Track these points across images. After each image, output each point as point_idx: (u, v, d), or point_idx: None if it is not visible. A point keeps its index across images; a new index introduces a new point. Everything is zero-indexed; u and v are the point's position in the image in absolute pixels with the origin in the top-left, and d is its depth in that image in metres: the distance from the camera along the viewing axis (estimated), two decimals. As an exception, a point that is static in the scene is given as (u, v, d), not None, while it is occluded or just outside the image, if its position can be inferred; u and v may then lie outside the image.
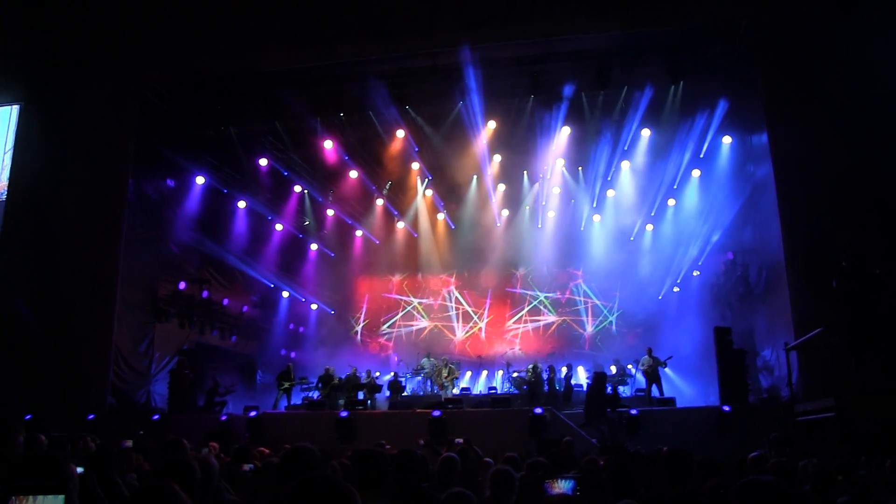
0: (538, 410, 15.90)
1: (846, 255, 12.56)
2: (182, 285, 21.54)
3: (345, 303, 28.96)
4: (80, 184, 18.69)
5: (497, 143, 22.44)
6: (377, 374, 23.16)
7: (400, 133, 21.48)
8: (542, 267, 27.75)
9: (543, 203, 25.76)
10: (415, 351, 26.99)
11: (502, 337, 27.71)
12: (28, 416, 15.44)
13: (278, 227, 25.14)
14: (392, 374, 23.37)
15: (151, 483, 2.52)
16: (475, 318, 28.20)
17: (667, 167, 22.19)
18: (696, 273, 23.63)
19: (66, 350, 17.75)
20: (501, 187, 25.58)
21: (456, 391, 22.08)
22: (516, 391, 22.00)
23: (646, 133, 21.36)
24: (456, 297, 28.50)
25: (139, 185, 19.66)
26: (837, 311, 12.35)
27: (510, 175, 24.97)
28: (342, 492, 1.93)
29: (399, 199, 26.47)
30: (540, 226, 26.62)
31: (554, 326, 27.57)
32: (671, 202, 23.82)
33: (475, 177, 25.03)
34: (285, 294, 26.66)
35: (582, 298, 27.63)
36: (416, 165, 23.98)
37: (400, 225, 27.40)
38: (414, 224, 27.23)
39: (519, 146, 22.65)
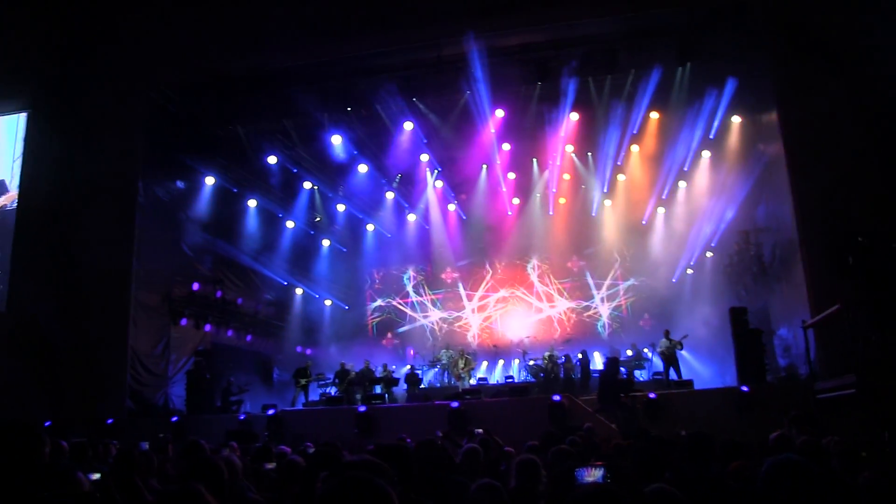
0: (556, 398, 15.86)
1: (863, 231, 12.45)
2: (196, 286, 21.58)
3: (358, 298, 28.98)
4: (91, 188, 18.78)
5: (505, 132, 22.33)
6: (393, 367, 23.19)
7: (408, 125, 21.41)
8: (555, 254, 27.69)
9: (554, 190, 25.67)
10: (430, 343, 27.05)
11: (518, 325, 27.64)
12: (47, 423, 15.53)
13: (290, 224, 25.15)
14: (408, 366, 23.42)
15: (178, 487, 2.49)
16: (489, 307, 28.15)
17: (677, 149, 22.06)
18: (709, 254, 23.54)
19: (83, 355, 17.84)
20: (511, 176, 25.50)
21: (473, 382, 22.10)
22: (533, 379, 22.02)
23: (654, 116, 21.25)
24: (469, 287, 28.45)
25: (149, 188, 19.68)
26: (855, 286, 12.26)
27: (520, 163, 24.89)
28: (379, 491, 1.90)
29: (409, 192, 26.42)
30: (551, 213, 26.57)
31: (568, 313, 27.50)
32: (682, 184, 23.73)
33: (485, 166, 24.97)
34: (299, 291, 26.72)
35: (595, 284, 27.54)
36: (425, 157, 23.91)
37: (411, 217, 27.36)
38: (425, 216, 27.19)
39: (527, 134, 22.56)
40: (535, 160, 25.04)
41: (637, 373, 22.16)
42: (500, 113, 21.08)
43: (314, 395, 21.57)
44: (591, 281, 27.60)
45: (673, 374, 19.33)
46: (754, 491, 4.49)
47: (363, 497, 1.87)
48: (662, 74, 19.17)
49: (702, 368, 21.73)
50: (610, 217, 26.25)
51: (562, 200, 26.26)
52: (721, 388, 17.45)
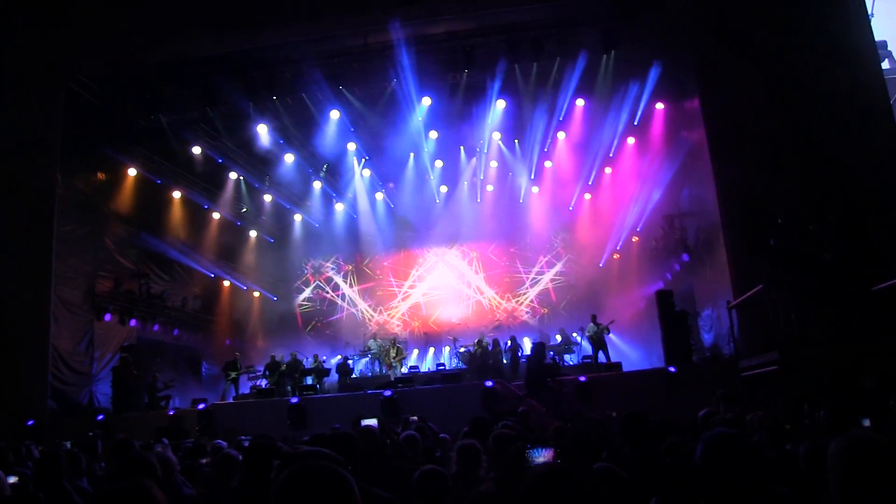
0: (489, 383, 16.01)
1: (782, 214, 12.87)
2: (120, 281, 21.03)
3: (287, 288, 28.74)
4: (6, 182, 18.06)
5: (433, 120, 22.32)
6: (324, 357, 23.07)
7: (334, 114, 21.24)
8: (484, 241, 27.89)
9: (481, 177, 25.83)
10: (360, 332, 27.01)
11: (448, 313, 27.77)
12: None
13: (216, 215, 24.72)
14: (339, 356, 23.33)
15: (125, 484, 2.43)
16: (418, 295, 28.22)
17: (602, 136, 22.39)
18: (635, 239, 23.99)
19: (1, 355, 17.21)
20: (439, 164, 25.53)
21: (404, 370, 22.12)
22: (464, 366, 22.14)
23: (580, 103, 21.48)
24: (398, 276, 28.47)
25: (69, 180, 19.07)
26: (775, 267, 12.67)
27: (447, 151, 24.93)
28: (340, 479, 1.89)
29: (337, 181, 26.24)
30: (479, 200, 26.74)
31: (498, 299, 27.74)
32: (608, 170, 24.11)
33: (412, 155, 24.92)
34: (226, 283, 26.31)
35: (524, 270, 27.84)
36: (352, 146, 23.75)
37: (339, 206, 27.20)
38: (353, 205, 27.05)
39: (455, 122, 22.59)
40: (462, 148, 25.11)
41: (566, 357, 22.50)
42: (427, 101, 21.06)
43: (244, 388, 21.31)
44: (519, 267, 27.88)
45: (602, 358, 19.67)
46: (689, 467, 4.62)
47: (324, 485, 1.86)
48: (588, 62, 19.37)
49: (630, 351, 22.21)
50: (537, 203, 26.57)
51: (489, 188, 26.44)
52: (649, 370, 17.84)
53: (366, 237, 27.90)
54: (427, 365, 25.21)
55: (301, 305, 28.71)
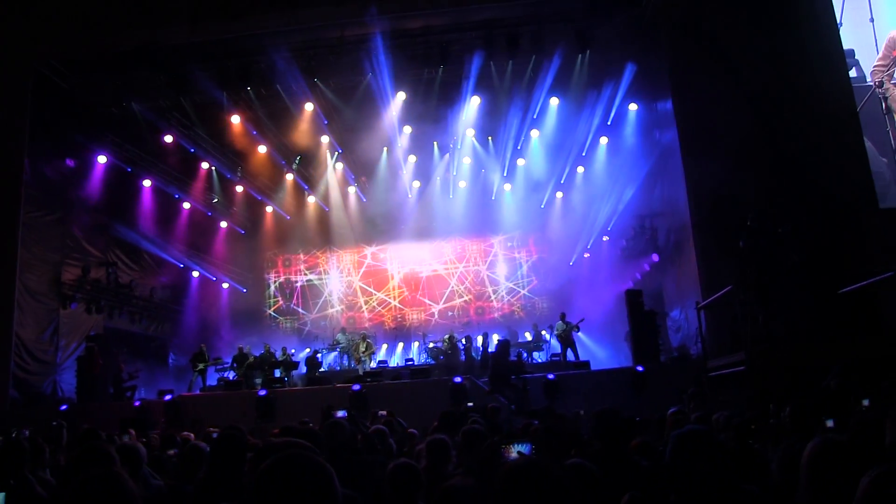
0: (458, 379, 16.06)
1: (751, 215, 13.02)
2: (87, 269, 20.77)
3: (257, 280, 28.60)
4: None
5: (407, 115, 22.27)
6: (292, 350, 22.99)
7: (309, 106, 21.11)
8: (455, 237, 27.92)
9: (454, 174, 25.84)
10: (329, 326, 26.95)
11: (417, 308, 27.80)
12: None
13: (186, 205, 24.52)
14: (308, 349, 23.26)
15: (97, 473, 2.40)
16: (388, 290, 28.21)
17: (575, 135, 22.50)
18: (605, 238, 24.15)
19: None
20: (412, 159, 25.49)
21: (373, 365, 22.09)
22: (433, 362, 22.17)
23: (554, 101, 21.56)
24: (369, 270, 28.44)
25: (37, 166, 18.79)
26: (744, 268, 12.82)
27: (421, 146, 24.91)
28: (319, 468, 1.89)
29: (309, 174, 26.12)
30: (451, 196, 26.76)
31: (468, 296, 27.79)
32: (580, 169, 24.24)
33: (385, 149, 24.85)
34: (195, 274, 26.11)
35: (495, 267, 27.93)
36: (325, 139, 23.65)
37: (311, 199, 27.09)
38: (325, 198, 26.95)
39: (429, 117, 22.54)
40: (436, 143, 25.09)
41: (535, 354, 22.60)
42: (401, 95, 21.03)
43: (212, 380, 21.17)
44: (490, 264, 27.97)
45: (570, 356, 19.78)
46: (657, 464, 4.68)
47: (306, 474, 1.87)
48: (563, 60, 19.46)
49: (598, 350, 22.35)
50: (510, 201, 26.64)
51: (462, 184, 26.45)
52: (617, 369, 17.98)
53: (337, 230, 27.81)
54: (396, 360, 25.21)
55: (271, 298, 28.57)
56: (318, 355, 22.85)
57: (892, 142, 14.92)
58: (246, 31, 18.18)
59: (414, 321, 27.42)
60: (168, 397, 16.76)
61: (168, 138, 21.60)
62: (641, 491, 3.18)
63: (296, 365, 21.26)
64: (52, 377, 19.03)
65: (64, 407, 16.65)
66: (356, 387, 16.13)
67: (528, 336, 23.85)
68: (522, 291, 27.57)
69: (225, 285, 27.34)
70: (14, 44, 18.02)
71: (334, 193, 26.73)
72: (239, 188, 25.65)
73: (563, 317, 20.43)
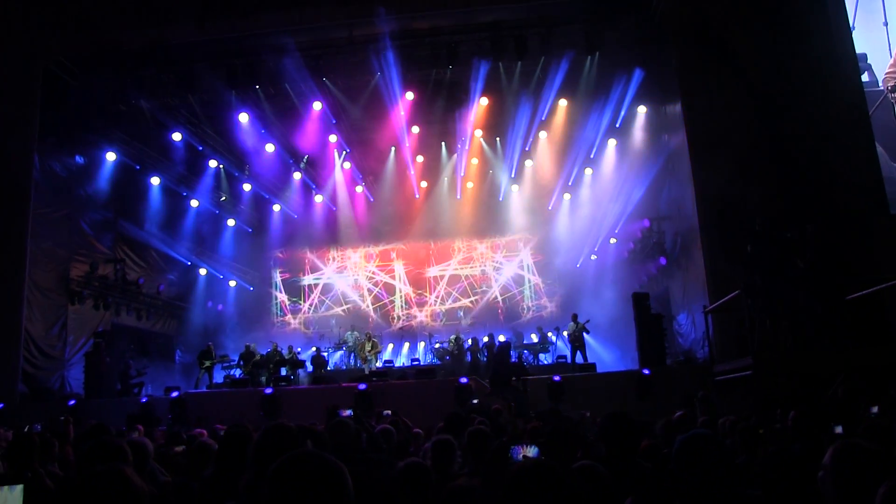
0: (463, 380, 16.04)
1: (758, 221, 13.00)
2: (95, 265, 20.83)
3: (263, 279, 28.64)
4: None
5: (415, 115, 22.30)
6: (298, 349, 23.01)
7: (317, 105, 21.15)
8: (462, 238, 27.92)
9: (462, 174, 25.83)
10: (336, 325, 26.96)
11: (423, 308, 27.81)
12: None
13: (194, 203, 24.55)
14: (314, 348, 23.29)
15: (103, 468, 2.41)
16: (395, 290, 28.23)
17: (584, 137, 22.47)
18: (612, 241, 24.11)
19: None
20: (420, 159, 25.50)
21: (379, 364, 22.10)
22: (439, 362, 22.17)
23: (563, 103, 21.54)
24: (376, 270, 28.46)
25: (46, 163, 18.89)
26: (751, 274, 12.81)
27: (428, 147, 24.94)
28: (332, 466, 1.91)
29: (317, 173, 26.14)
30: (459, 197, 26.75)
31: (474, 296, 27.78)
32: (588, 171, 24.21)
33: (393, 149, 24.88)
34: (203, 272, 26.15)
35: (501, 268, 27.92)
36: (333, 138, 23.69)
37: (318, 198, 27.10)
38: (332, 197, 26.97)
39: (437, 117, 22.59)
40: (443, 144, 25.13)
41: (542, 356, 22.58)
42: (409, 95, 21.03)
43: (218, 378, 21.21)
44: (496, 266, 27.96)
45: (579, 358, 19.75)
46: (664, 468, 4.67)
47: (318, 473, 1.88)
48: (571, 62, 19.44)
49: (604, 352, 22.31)
50: (517, 202, 26.63)
51: (469, 185, 26.44)
52: (623, 372, 17.95)
53: (344, 230, 27.83)
54: (402, 360, 25.23)
55: (277, 296, 28.60)
56: (325, 354, 22.89)
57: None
58: (254, 29, 18.23)
59: (420, 321, 27.43)
60: (174, 394, 16.78)
61: (176, 136, 21.65)
62: (645, 495, 3.18)
63: (302, 363, 21.29)
64: (60, 372, 19.10)
65: (72, 402, 16.69)
66: (362, 386, 16.13)
67: (534, 338, 23.84)
68: (528, 293, 27.53)
69: (232, 283, 27.37)
70: (23, 41, 18.11)
71: (342, 193, 26.75)
72: (246, 186, 25.68)
73: (574, 318, 20.40)
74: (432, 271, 28.23)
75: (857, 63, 15.65)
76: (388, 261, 28.55)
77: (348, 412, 8.84)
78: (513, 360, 17.10)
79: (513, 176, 25.41)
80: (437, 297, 27.93)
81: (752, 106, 15.57)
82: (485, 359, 21.11)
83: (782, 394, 10.43)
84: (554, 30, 18.76)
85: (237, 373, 20.89)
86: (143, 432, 9.30)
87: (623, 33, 18.67)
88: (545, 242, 27.13)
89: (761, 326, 12.07)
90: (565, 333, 20.75)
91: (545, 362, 21.88)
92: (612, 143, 22.58)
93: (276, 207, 27.25)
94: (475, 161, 25.41)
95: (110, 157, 20.86)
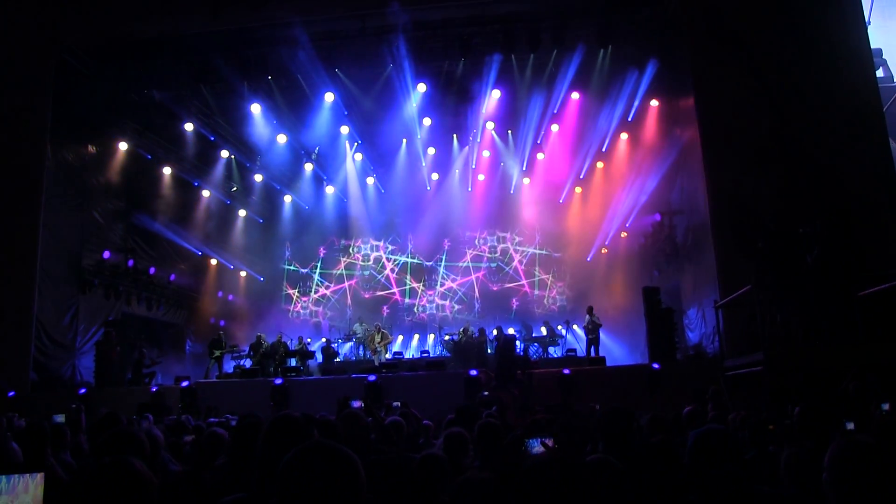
0: (473, 372, 16.04)
1: (771, 216, 12.92)
2: (106, 255, 20.92)
3: (274, 269, 28.67)
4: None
5: (427, 107, 22.28)
6: (308, 340, 23.05)
7: (329, 96, 21.15)
8: (472, 230, 27.89)
9: (473, 166, 25.80)
10: (346, 316, 27.02)
11: (433, 300, 27.81)
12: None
13: (205, 193, 24.63)
14: (324, 339, 23.33)
15: (109, 460, 2.41)
16: (405, 281, 28.23)
17: (595, 130, 22.40)
18: (623, 234, 24.04)
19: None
20: (431, 151, 25.47)
21: (388, 356, 22.12)
22: (449, 354, 22.17)
23: (575, 96, 21.49)
24: (386, 262, 28.48)
25: (59, 153, 18.97)
26: (762, 269, 12.75)
27: (440, 139, 24.88)
28: (346, 457, 1.90)
29: (328, 164, 26.13)
30: (470, 189, 26.71)
31: (484, 288, 27.76)
32: (600, 164, 24.13)
33: (405, 140, 24.85)
34: (213, 262, 26.23)
35: (512, 261, 27.88)
36: (345, 129, 23.71)
37: (329, 190, 27.11)
38: (343, 188, 26.98)
39: (449, 109, 22.55)
40: (455, 136, 25.08)
41: (551, 349, 22.56)
42: (422, 87, 21.01)
43: (228, 368, 21.28)
44: (506, 258, 27.93)
45: (592, 351, 19.71)
46: (675, 461, 4.66)
47: (331, 463, 1.87)
48: (584, 55, 19.39)
49: (614, 346, 22.27)
50: (528, 195, 26.56)
51: (481, 177, 26.40)
52: (632, 366, 17.93)
53: (355, 221, 27.85)
54: (411, 352, 25.25)
55: (287, 287, 28.65)
56: (334, 345, 22.94)
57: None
58: (267, 20, 18.20)
59: (430, 313, 27.45)
60: (185, 383, 16.86)
61: (188, 127, 21.71)
62: (654, 490, 3.17)
63: (311, 354, 21.34)
64: (71, 361, 19.22)
65: (83, 391, 16.79)
66: (372, 377, 16.16)
67: (543, 331, 23.81)
68: (538, 287, 27.49)
69: (242, 273, 27.44)
70: (37, 30, 18.17)
71: (353, 184, 26.74)
72: (258, 177, 25.73)
73: (590, 310, 20.34)
74: (442, 263, 28.20)
75: (871, 58, 15.55)
76: (398, 252, 28.54)
77: (358, 403, 8.86)
78: (518, 353, 17.10)
79: (524, 169, 25.35)
80: (447, 288, 27.90)
81: (766, 100, 15.48)
82: (493, 351, 21.09)
83: (793, 390, 10.40)
84: (567, 22, 18.71)
85: (247, 363, 20.95)
86: (152, 422, 9.33)
87: (636, 26, 18.60)
88: (556, 236, 27.05)
89: (772, 322, 12.00)
90: (575, 328, 20.69)
91: (554, 355, 21.85)
92: (624, 136, 22.51)
93: (287, 198, 27.29)
94: (487, 154, 25.38)
95: (122, 147, 20.98)
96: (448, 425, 7.00)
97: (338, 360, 22.62)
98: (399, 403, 11.14)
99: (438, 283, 28.05)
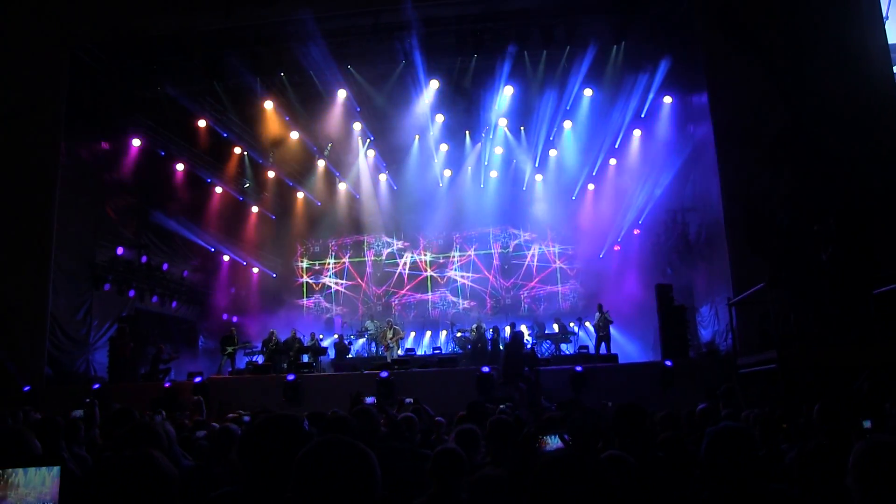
0: (485, 369, 16.03)
1: (785, 214, 12.86)
2: (120, 251, 21.04)
3: (286, 266, 28.73)
4: (10, 148, 18.00)
5: (439, 103, 22.27)
6: (320, 336, 23.09)
7: (342, 93, 21.17)
8: (484, 226, 27.86)
9: (486, 163, 25.76)
10: (358, 313, 27.05)
11: (445, 297, 27.80)
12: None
13: (218, 189, 24.70)
14: (336, 335, 23.37)
15: (132, 454, 2.42)
16: (417, 278, 28.23)
17: (609, 126, 22.33)
18: (636, 231, 23.97)
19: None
20: (444, 147, 25.43)
21: (400, 352, 22.14)
22: (461, 351, 22.17)
23: (588, 93, 21.42)
24: (398, 258, 28.49)
25: (72, 149, 19.05)
26: (776, 266, 12.68)
27: (452, 135, 24.84)
28: (360, 452, 1.90)
29: (341, 160, 26.14)
30: (482, 186, 26.67)
31: (496, 285, 27.74)
32: (613, 161, 24.05)
33: (417, 137, 24.83)
34: (226, 258, 26.32)
35: (524, 258, 27.85)
36: (357, 126, 23.72)
37: (342, 186, 27.13)
38: (356, 185, 26.99)
39: (461, 106, 22.51)
40: (467, 132, 25.03)
41: (563, 346, 22.52)
42: (434, 83, 20.99)
43: (240, 364, 21.35)
44: (519, 254, 27.89)
45: (603, 349, 19.67)
46: (687, 459, 4.65)
47: (347, 459, 1.87)
48: (597, 52, 19.34)
49: (626, 343, 22.20)
50: (541, 192, 26.51)
51: (493, 173, 26.35)
52: (645, 363, 17.88)
53: (367, 217, 27.85)
54: (423, 348, 25.26)
55: (300, 283, 28.71)
56: (347, 342, 22.98)
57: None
58: (280, 16, 18.23)
59: (442, 309, 27.45)
60: (198, 379, 16.91)
61: (201, 123, 21.77)
62: (668, 487, 3.16)
63: (324, 350, 21.38)
64: (85, 356, 19.31)
65: (96, 386, 16.87)
66: (384, 374, 16.18)
67: (556, 327, 23.77)
68: (550, 283, 27.45)
69: (255, 270, 27.51)
70: (51, 28, 18.23)
71: (365, 180, 26.74)
72: (270, 173, 25.78)
73: (600, 307, 20.30)
74: (454, 259, 28.20)
75: (888, 54, 15.40)
76: (411, 249, 28.54)
77: (372, 399, 8.88)
78: (525, 349, 17.08)
79: (537, 165, 25.31)
80: (459, 285, 27.89)
81: (780, 97, 15.39)
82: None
83: (807, 388, 10.35)
84: (580, 18, 18.68)
85: (259, 359, 21.01)
86: (165, 417, 9.38)
87: (649, 22, 18.52)
88: (568, 233, 27.00)
89: (786, 320, 11.94)
90: (588, 324, 20.64)
91: (566, 352, 21.80)
92: (637, 133, 22.42)
93: (300, 195, 27.32)
94: (499, 150, 25.31)
95: (136, 143, 21.09)
96: (459, 422, 7.01)
97: (350, 356, 22.66)
98: (411, 400, 11.16)
99: (450, 280, 28.03)
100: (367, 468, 1.88)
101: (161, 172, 22.66)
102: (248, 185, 25.85)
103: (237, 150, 24.06)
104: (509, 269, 27.87)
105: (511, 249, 28.05)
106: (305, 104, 22.07)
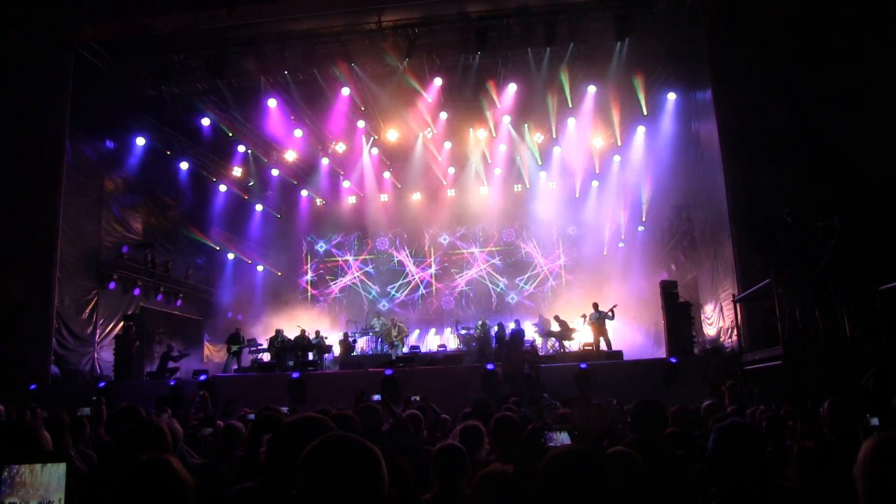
0: (490, 366, 16.01)
1: (789, 210, 12.82)
2: (125, 249, 21.06)
3: (291, 264, 28.77)
4: (15, 146, 18.01)
5: (443, 101, 22.28)
6: (325, 335, 23.11)
7: (345, 91, 21.17)
8: (488, 224, 27.87)
9: (489, 161, 25.76)
10: (363, 310, 27.06)
11: (450, 294, 27.82)
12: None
13: (222, 188, 24.74)
14: (341, 333, 23.38)
15: (148, 460, 2.42)
16: (421, 275, 28.25)
17: (613, 123, 22.31)
18: (640, 228, 23.95)
19: (4, 318, 17.22)
20: (448, 145, 25.43)
21: (405, 350, 22.15)
22: (465, 348, 22.17)
23: (591, 89, 21.37)
24: (402, 255, 28.50)
25: (77, 147, 19.07)
26: (780, 263, 12.64)
27: (456, 133, 24.86)
28: (366, 448, 1.90)
29: (344, 159, 26.16)
30: (486, 183, 26.68)
31: (501, 282, 27.74)
32: (616, 158, 24.02)
33: (421, 135, 24.84)
34: (231, 256, 26.35)
35: (529, 254, 27.85)
36: (361, 124, 23.71)
37: (346, 184, 27.15)
38: (360, 183, 27.00)
39: (465, 104, 22.50)
40: (471, 130, 25.02)
41: (567, 343, 22.48)
42: (438, 81, 20.98)
43: (246, 362, 21.37)
44: (523, 252, 27.89)
45: (603, 345, 19.64)
46: (693, 454, 4.64)
47: (353, 455, 1.87)
48: (601, 48, 19.31)
49: (631, 340, 22.18)
50: (544, 189, 26.51)
51: (497, 171, 26.35)
52: (650, 360, 17.84)
53: (371, 215, 27.89)
54: (428, 345, 25.27)
55: (304, 281, 28.74)
56: (352, 340, 23.01)
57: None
58: (283, 14, 18.22)
59: (446, 307, 27.47)
60: (203, 377, 16.92)
61: (205, 121, 21.79)
62: (678, 483, 3.16)
63: (329, 348, 21.39)
64: (90, 354, 19.34)
65: (102, 384, 16.89)
66: (389, 371, 16.18)
67: (559, 324, 23.74)
68: (554, 280, 27.44)
69: (260, 268, 27.55)
70: (55, 26, 18.23)
71: (369, 178, 26.77)
72: (274, 172, 25.81)
73: (595, 306, 20.28)
74: (459, 257, 28.21)
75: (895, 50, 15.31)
76: (415, 246, 28.55)
77: (377, 397, 8.87)
78: (526, 346, 17.07)
79: (540, 162, 25.30)
80: (464, 282, 27.89)
81: (784, 93, 15.33)
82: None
83: (812, 384, 10.32)
84: (584, 15, 18.64)
85: (265, 357, 21.03)
86: (171, 415, 9.39)
87: (653, 19, 18.46)
88: (572, 229, 27.00)
89: (791, 316, 11.92)
90: (588, 322, 20.61)
91: (570, 349, 21.77)
92: (640, 129, 22.39)
93: (304, 193, 27.36)
94: (503, 147, 25.30)
95: (140, 141, 21.13)
96: (464, 419, 7.00)
97: (355, 354, 22.67)
98: (418, 397, 11.15)
99: (454, 278, 28.03)
100: (373, 465, 1.87)
101: (165, 170, 22.71)
102: (252, 183, 25.88)
103: (241, 149, 24.08)
104: (513, 266, 27.86)
105: (515, 247, 28.04)
106: (309, 102, 22.09)
